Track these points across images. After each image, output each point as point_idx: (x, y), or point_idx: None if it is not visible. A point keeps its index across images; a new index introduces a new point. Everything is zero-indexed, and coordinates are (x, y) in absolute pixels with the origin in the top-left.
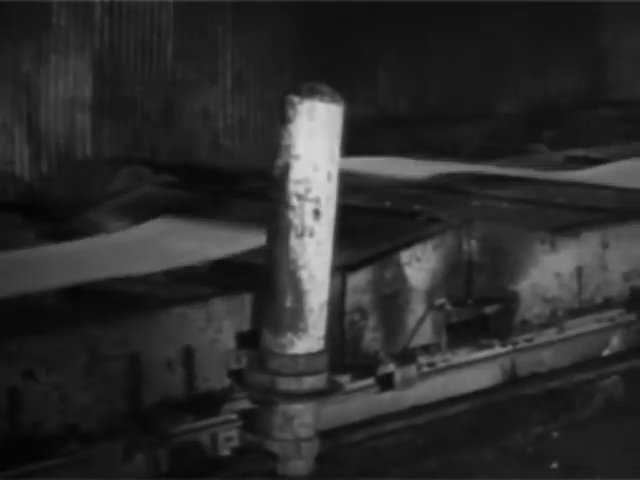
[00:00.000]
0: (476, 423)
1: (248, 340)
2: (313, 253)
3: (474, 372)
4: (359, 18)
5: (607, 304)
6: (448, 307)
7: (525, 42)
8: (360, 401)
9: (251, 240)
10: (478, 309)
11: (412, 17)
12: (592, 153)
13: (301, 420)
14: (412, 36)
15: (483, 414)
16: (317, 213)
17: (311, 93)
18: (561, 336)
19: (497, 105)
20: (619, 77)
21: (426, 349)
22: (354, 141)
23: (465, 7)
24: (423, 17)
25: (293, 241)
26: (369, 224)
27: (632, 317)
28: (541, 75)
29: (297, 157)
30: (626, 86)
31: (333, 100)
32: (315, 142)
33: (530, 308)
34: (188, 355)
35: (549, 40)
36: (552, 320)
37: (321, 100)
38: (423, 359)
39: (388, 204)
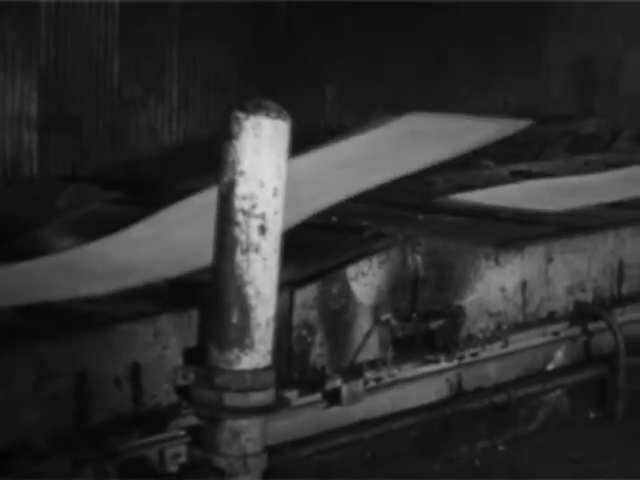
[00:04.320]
0: (423, 437)
1: (195, 356)
2: (259, 269)
3: (420, 387)
4: (306, 33)
5: (551, 318)
6: (394, 322)
7: (471, 56)
8: (308, 416)
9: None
10: (424, 324)
11: (360, 31)
12: (536, 167)
13: (248, 435)
14: (359, 50)
15: (430, 428)
16: (263, 229)
17: (257, 109)
18: (506, 350)
19: None
20: (563, 91)
21: (372, 364)
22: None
23: (412, 22)
24: (371, 31)
25: (239, 257)
26: (316, 239)
27: (576, 331)
28: (487, 89)
29: (242, 173)
30: (570, 100)
31: (279, 116)
32: (261, 158)
33: (475, 323)
34: (135, 372)
35: (495, 54)
36: (497, 334)
37: (267, 116)
38: (369, 374)
39: (334, 219)
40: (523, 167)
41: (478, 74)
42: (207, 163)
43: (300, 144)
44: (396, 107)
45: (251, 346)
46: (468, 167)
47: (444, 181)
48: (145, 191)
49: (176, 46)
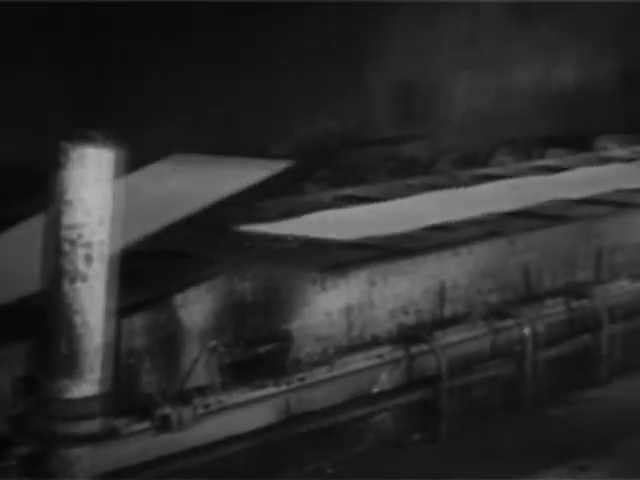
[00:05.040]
0: (253, 462)
1: (26, 385)
2: (86, 298)
3: (249, 412)
4: (132, 64)
5: (375, 341)
6: (221, 348)
7: (297, 84)
8: (139, 444)
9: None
10: (251, 349)
11: (186, 60)
12: (359, 192)
13: (78, 464)
14: (187, 78)
15: (259, 453)
16: (89, 258)
17: (82, 140)
18: (332, 374)
19: (271, 147)
20: (384, 115)
21: (201, 391)
22: None
23: (237, 51)
24: (198, 60)
25: (66, 287)
26: (145, 267)
27: (399, 354)
28: (312, 115)
29: (69, 203)
30: (391, 124)
31: (105, 146)
32: (87, 188)
33: (302, 347)
34: None
35: (318, 80)
36: (323, 358)
37: (92, 146)
38: (198, 401)
39: (165, 246)
40: (347, 192)
41: (303, 99)
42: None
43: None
44: (222, 135)
45: (80, 375)
46: (291, 193)
47: (271, 207)
48: None
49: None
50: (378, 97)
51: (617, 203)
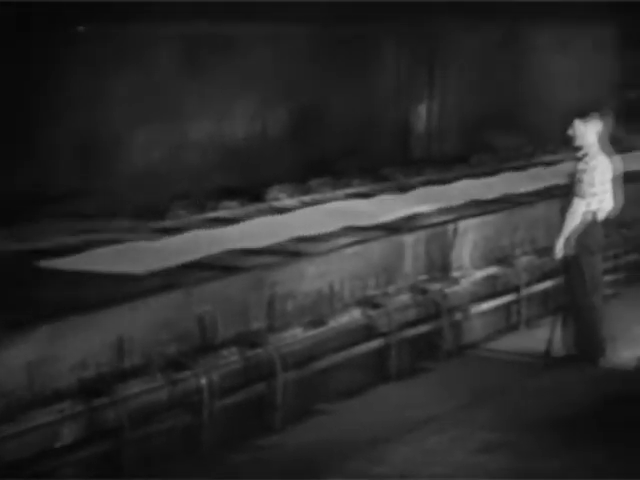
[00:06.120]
0: None
1: None
2: None
3: None
4: None
5: (57, 396)
6: None
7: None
8: None
9: None
10: None
11: None
12: (40, 245)
13: None
14: None
15: None
16: None
17: None
18: (15, 430)
19: None
20: (66, 170)
21: None
22: None
23: None
24: None
25: None
26: None
27: (80, 408)
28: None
29: None
30: (70, 179)
31: None
32: None
33: None
34: None
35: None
36: (7, 414)
37: None
38: None
39: None
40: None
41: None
42: None
43: None
44: None
45: None
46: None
47: None
48: None
49: None
50: (56, 152)
51: (289, 252)
